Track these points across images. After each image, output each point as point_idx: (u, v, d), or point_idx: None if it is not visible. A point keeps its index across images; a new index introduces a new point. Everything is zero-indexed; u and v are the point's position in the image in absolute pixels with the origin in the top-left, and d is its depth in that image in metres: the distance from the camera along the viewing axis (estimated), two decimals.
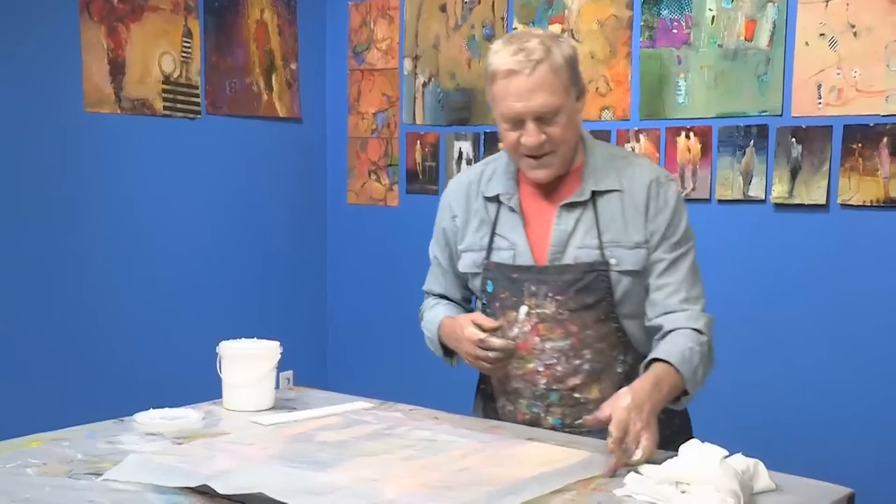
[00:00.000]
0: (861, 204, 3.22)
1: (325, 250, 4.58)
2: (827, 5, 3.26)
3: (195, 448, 1.69)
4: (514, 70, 1.85)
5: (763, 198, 3.38)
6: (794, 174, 3.33)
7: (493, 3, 3.97)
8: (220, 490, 1.46)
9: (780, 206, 3.36)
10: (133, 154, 3.77)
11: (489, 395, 2.15)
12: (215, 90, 4.03)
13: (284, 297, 4.38)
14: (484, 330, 1.91)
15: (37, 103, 3.46)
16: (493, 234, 2.04)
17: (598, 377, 1.98)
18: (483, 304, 2.09)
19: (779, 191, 3.36)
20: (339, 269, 4.56)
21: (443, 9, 4.12)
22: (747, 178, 3.41)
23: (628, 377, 1.96)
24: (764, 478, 1.50)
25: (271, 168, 4.31)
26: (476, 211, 2.08)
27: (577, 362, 1.97)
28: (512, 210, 2.02)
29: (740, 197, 3.42)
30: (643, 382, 1.76)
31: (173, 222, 3.93)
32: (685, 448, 1.48)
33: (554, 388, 1.98)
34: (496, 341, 1.91)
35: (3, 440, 1.84)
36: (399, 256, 4.33)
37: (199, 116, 3.98)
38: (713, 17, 3.47)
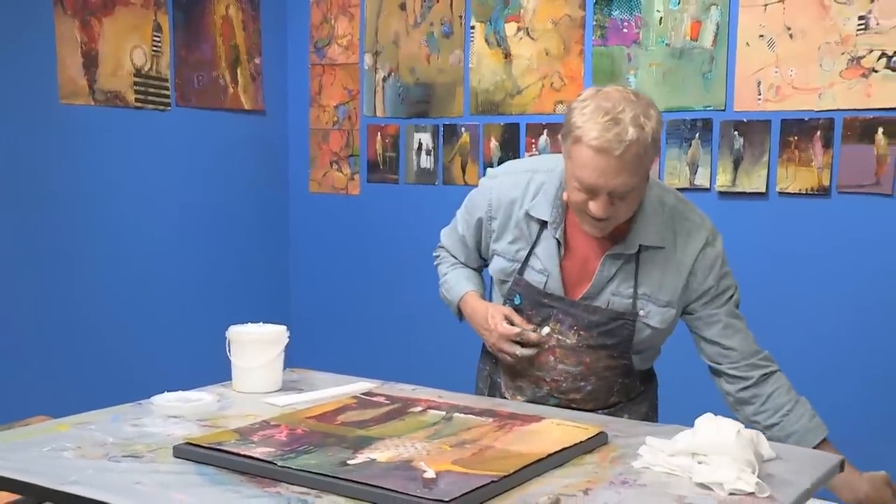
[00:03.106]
0: (797, 192, 3.31)
1: (287, 237, 4.53)
2: (765, 9, 3.33)
3: (228, 434, 1.66)
4: (605, 149, 1.68)
5: (708, 186, 3.45)
6: (736, 164, 3.40)
7: (452, 1, 3.96)
8: (279, 463, 1.45)
9: (723, 194, 3.44)
10: (107, 145, 3.67)
11: (495, 382, 2.15)
12: (184, 83, 3.94)
13: (248, 284, 4.32)
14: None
15: (13, 95, 3.34)
16: (530, 253, 1.96)
17: (597, 396, 2.00)
18: (504, 303, 2.04)
19: (722, 180, 3.43)
20: (302, 255, 4.51)
21: (402, 7, 4.09)
22: (693, 168, 3.47)
23: (623, 393, 2.03)
24: (765, 447, 1.54)
25: (237, 158, 4.24)
26: (517, 222, 1.98)
27: (582, 384, 1.98)
28: (555, 239, 1.93)
29: (687, 185, 3.48)
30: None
31: (144, 211, 3.84)
32: (700, 421, 1.49)
33: (555, 396, 2.00)
34: (532, 335, 1.93)
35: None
36: (360, 243, 4.31)
37: (168, 108, 3.89)
38: (661, 18, 3.52)
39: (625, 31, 3.58)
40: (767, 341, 3.30)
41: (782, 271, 3.35)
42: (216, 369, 4.15)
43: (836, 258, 3.28)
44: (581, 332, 1.93)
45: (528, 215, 1.96)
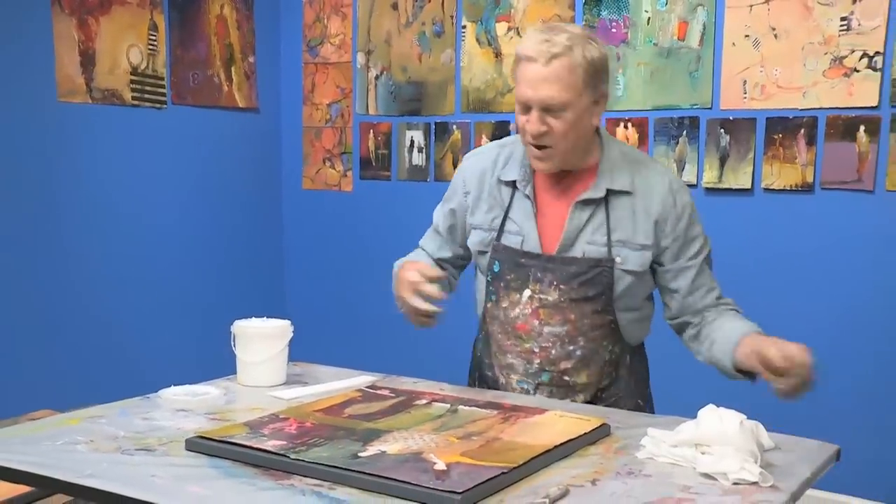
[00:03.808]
0: (782, 188, 3.33)
1: (281, 233, 4.52)
2: (751, 10, 3.34)
3: (238, 427, 1.65)
4: (533, 57, 1.81)
5: (695, 183, 3.46)
6: (722, 161, 3.42)
7: (443, 1, 3.95)
8: (292, 456, 1.45)
9: (710, 191, 3.45)
10: (104, 142, 3.65)
11: (484, 370, 2.14)
12: (180, 81, 3.92)
13: (242, 279, 4.31)
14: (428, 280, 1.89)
15: (11, 93, 3.32)
16: (505, 217, 2.00)
17: (587, 363, 1.97)
18: (488, 281, 2.04)
19: (709, 176, 3.44)
20: (296, 251, 4.50)
21: (394, 6, 4.08)
22: (681, 165, 3.49)
23: (615, 365, 2.00)
24: (765, 438, 1.54)
25: (231, 156, 4.22)
26: (490, 191, 2.03)
27: (571, 348, 1.95)
28: (526, 197, 1.97)
29: None
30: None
31: (140, 207, 3.82)
32: (703, 413, 1.50)
33: (547, 369, 1.97)
34: (429, 288, 1.87)
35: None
36: (353, 239, 4.31)
37: (164, 106, 3.87)
38: (649, 19, 3.53)
39: (613, 30, 3.59)
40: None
41: (767, 266, 3.37)
42: (212, 363, 4.14)
43: (819, 253, 3.30)
44: (561, 287, 1.92)
45: (499, 181, 2.01)
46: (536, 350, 1.97)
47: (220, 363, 4.21)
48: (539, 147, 1.89)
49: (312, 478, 1.42)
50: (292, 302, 4.46)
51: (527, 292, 1.96)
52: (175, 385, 1.96)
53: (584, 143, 1.93)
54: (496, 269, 2.01)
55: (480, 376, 2.16)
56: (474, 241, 2.06)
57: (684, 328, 2.01)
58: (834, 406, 3.23)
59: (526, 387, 2.01)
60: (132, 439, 1.64)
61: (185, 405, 1.88)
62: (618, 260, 1.91)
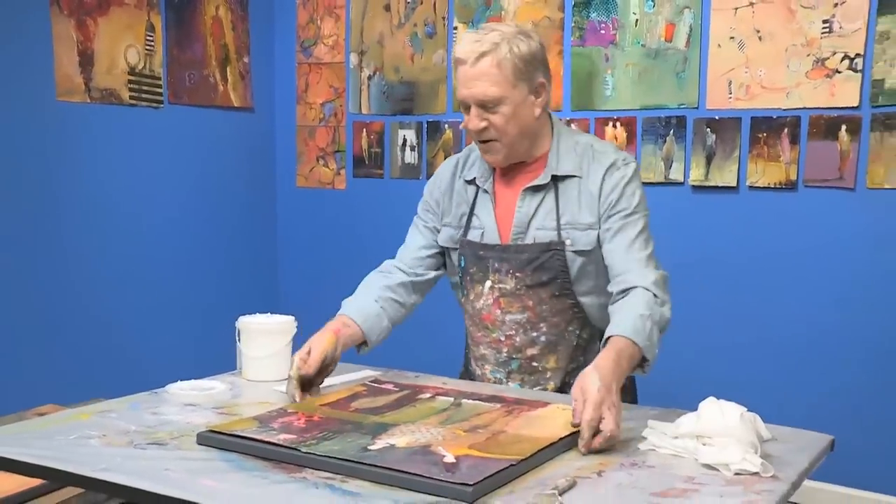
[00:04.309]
0: (766, 186, 3.35)
1: (275, 230, 4.51)
2: (736, 12, 3.36)
3: (248, 421, 1.64)
4: (462, 59, 1.85)
5: (682, 181, 3.47)
6: (708, 160, 3.43)
7: (435, 3, 3.95)
8: (303, 450, 1.45)
9: (696, 188, 3.46)
10: (102, 141, 3.62)
11: (467, 364, 2.15)
12: (176, 81, 3.90)
13: (237, 275, 4.29)
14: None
15: (11, 92, 3.29)
16: (471, 214, 2.02)
17: (554, 348, 1.97)
18: (459, 276, 2.06)
19: (696, 174, 3.46)
20: (290, 247, 4.49)
21: (387, 8, 4.07)
22: (668, 163, 3.50)
23: (583, 349, 1.98)
24: (763, 429, 1.54)
25: (226, 154, 4.21)
26: (458, 191, 2.06)
27: (534, 334, 1.96)
28: (486, 192, 2.00)
29: (662, 180, 3.50)
30: (606, 360, 1.61)
31: (138, 204, 3.80)
32: (704, 405, 1.50)
33: (514, 356, 1.99)
34: (289, 386, 1.82)
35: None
36: (346, 236, 4.30)
37: (161, 106, 3.84)
38: (637, 20, 3.53)
39: (602, 32, 3.59)
40: (735, 325, 3.37)
41: (753, 261, 3.39)
42: (208, 358, 4.15)
43: (802, 248, 3.32)
44: (517, 274, 1.94)
45: (464, 182, 2.05)
46: (502, 339, 1.99)
47: (216, 358, 4.21)
48: (484, 142, 1.92)
49: (324, 471, 1.42)
50: (286, 297, 4.45)
51: (488, 283, 1.98)
52: (177, 380, 1.95)
53: (531, 134, 1.94)
54: (462, 263, 2.04)
55: (466, 371, 2.18)
56: (444, 237, 2.07)
57: (610, 298, 1.90)
58: (823, 398, 3.26)
59: (499, 376, 2.02)
60: (143, 433, 1.62)
61: (193, 400, 1.86)
62: (567, 242, 1.91)
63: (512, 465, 1.39)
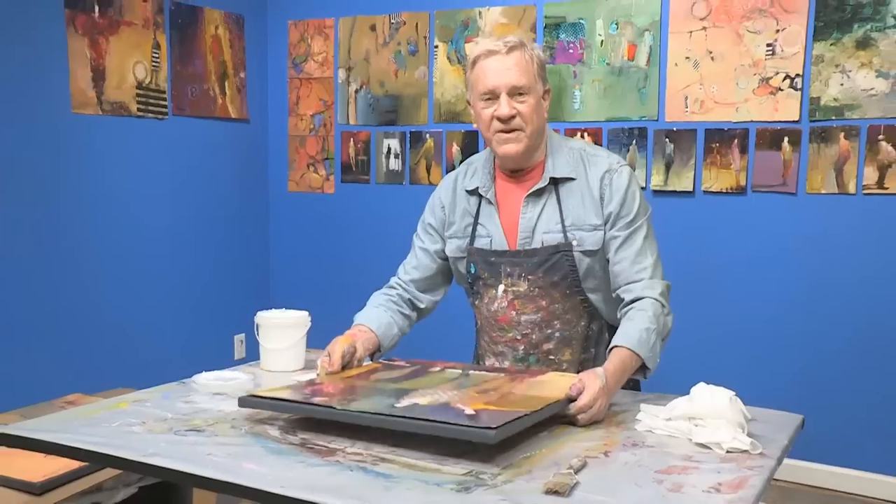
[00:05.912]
0: (719, 191, 3.39)
1: (267, 232, 4.46)
2: (691, 35, 3.39)
3: (283, 389, 1.63)
4: (493, 50, 1.81)
5: (644, 185, 3.50)
6: (668, 167, 3.47)
7: (417, 24, 3.94)
8: (338, 407, 1.47)
9: (657, 193, 3.50)
10: (112, 149, 3.57)
11: (483, 359, 2.10)
12: (179, 95, 3.84)
13: (231, 274, 4.23)
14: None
15: (31, 105, 3.23)
16: (475, 223, 1.96)
17: (568, 342, 1.93)
18: (469, 282, 2.01)
19: (656, 180, 3.49)
20: (281, 248, 4.45)
21: (372, 28, 4.05)
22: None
23: (595, 340, 1.96)
24: (745, 411, 1.56)
25: (224, 161, 4.16)
26: (460, 202, 1.99)
27: (549, 331, 1.91)
28: (489, 202, 1.94)
29: None
30: (614, 367, 1.65)
31: (143, 207, 3.74)
32: (696, 389, 1.51)
33: (532, 352, 1.93)
34: (322, 375, 1.80)
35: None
36: (335, 238, 4.27)
37: (166, 117, 3.79)
38: (602, 41, 3.56)
39: (571, 51, 3.61)
40: (691, 319, 3.41)
41: (707, 258, 3.43)
42: (207, 354, 4.11)
43: (751, 246, 3.37)
44: (529, 277, 1.88)
45: (466, 192, 1.99)
46: (519, 337, 1.94)
47: (212, 352, 4.17)
48: (509, 131, 1.84)
49: (357, 426, 1.44)
50: (277, 297, 4.40)
51: (501, 287, 1.92)
52: (179, 372, 1.95)
53: (541, 134, 1.90)
54: (473, 269, 1.97)
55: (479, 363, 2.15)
56: (452, 248, 2.01)
57: (619, 303, 1.88)
58: (777, 393, 3.31)
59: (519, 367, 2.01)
60: (181, 421, 1.60)
61: (220, 389, 1.84)
62: (574, 243, 1.86)
63: (525, 414, 1.41)
